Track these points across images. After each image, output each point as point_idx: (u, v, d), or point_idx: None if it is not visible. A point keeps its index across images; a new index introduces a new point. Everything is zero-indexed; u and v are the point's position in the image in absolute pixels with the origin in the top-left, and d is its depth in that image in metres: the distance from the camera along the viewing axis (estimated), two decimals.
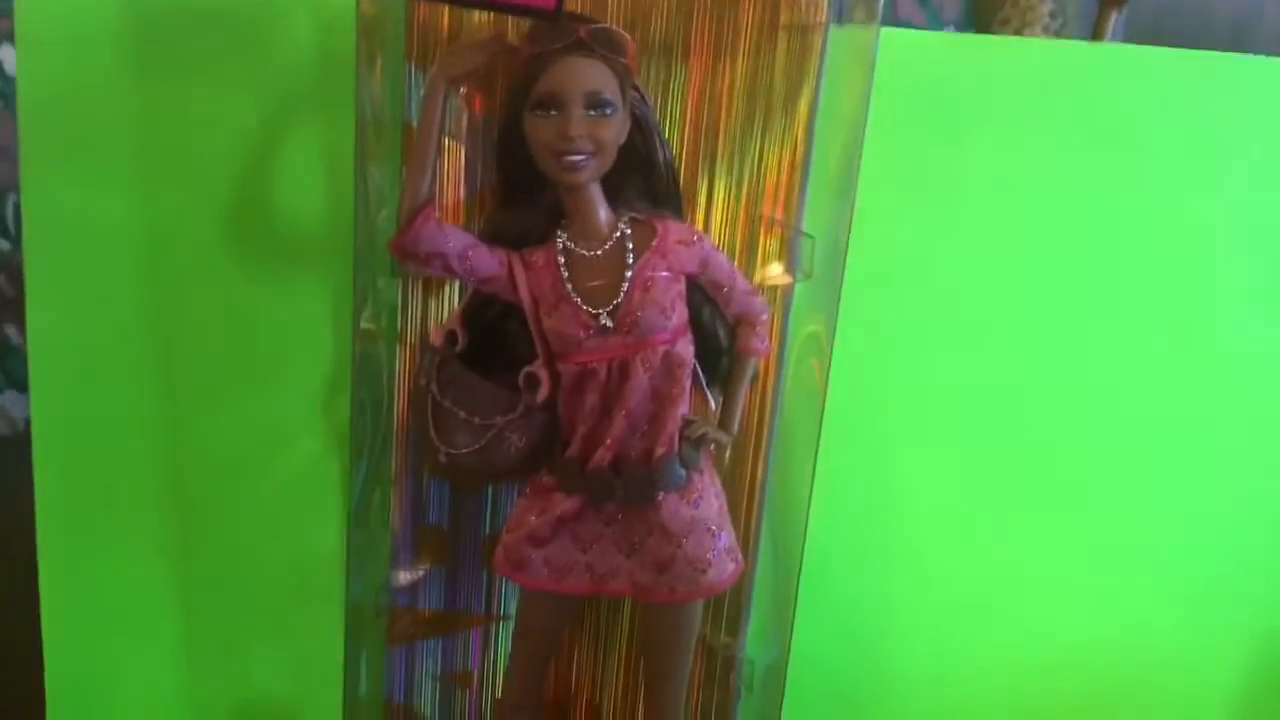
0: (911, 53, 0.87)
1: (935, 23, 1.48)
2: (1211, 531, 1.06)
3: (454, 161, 0.76)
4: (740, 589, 0.86)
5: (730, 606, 0.87)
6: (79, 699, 0.93)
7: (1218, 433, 1.03)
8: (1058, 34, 1.56)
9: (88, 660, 0.93)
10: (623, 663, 0.89)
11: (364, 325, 0.77)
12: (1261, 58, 0.96)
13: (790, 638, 0.86)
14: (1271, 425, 1.04)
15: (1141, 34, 1.46)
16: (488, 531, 0.84)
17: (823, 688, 1.01)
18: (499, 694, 0.88)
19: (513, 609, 0.85)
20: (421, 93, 0.72)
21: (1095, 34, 1.44)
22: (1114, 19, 1.43)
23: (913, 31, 0.95)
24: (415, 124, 0.72)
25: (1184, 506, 1.05)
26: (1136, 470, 1.03)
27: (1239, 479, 1.05)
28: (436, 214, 0.71)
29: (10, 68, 1.54)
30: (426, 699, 0.88)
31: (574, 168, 0.69)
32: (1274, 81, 0.96)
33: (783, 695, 0.87)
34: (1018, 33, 1.52)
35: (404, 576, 0.85)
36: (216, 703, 0.94)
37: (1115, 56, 0.96)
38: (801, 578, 0.85)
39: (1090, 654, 1.07)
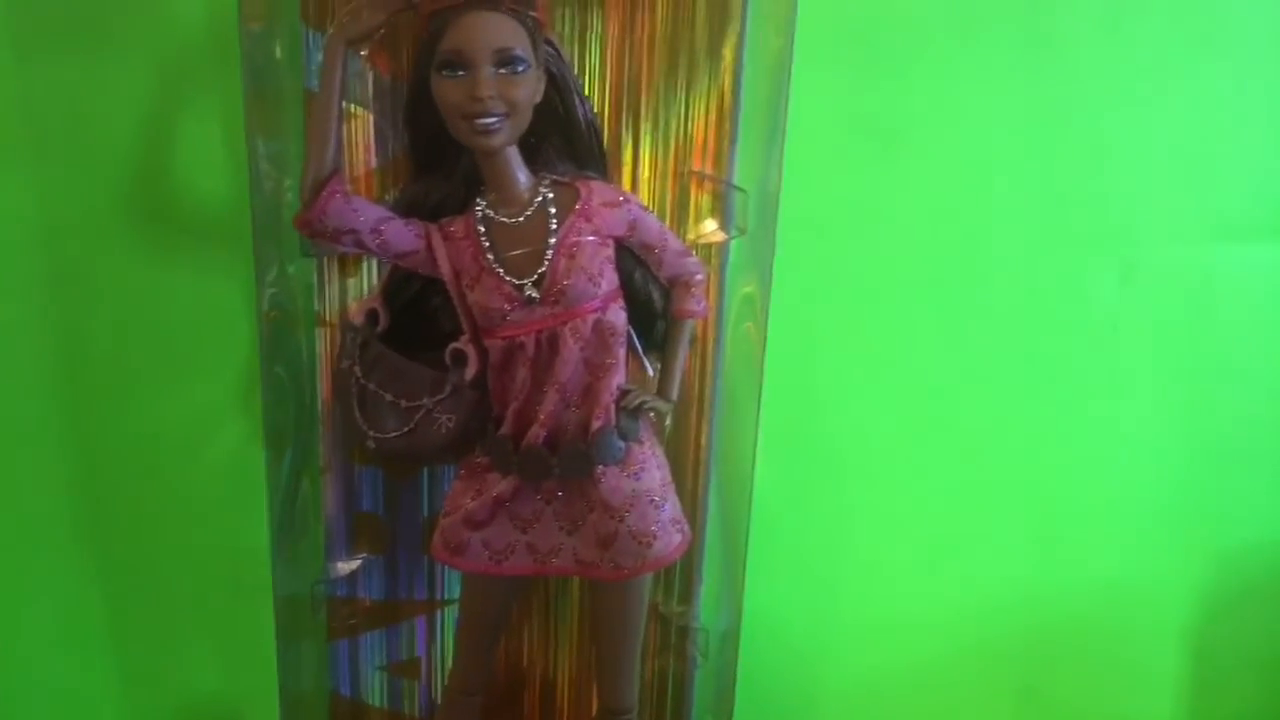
0: None
1: None
2: (1154, 460, 1.06)
3: (362, 130, 0.72)
4: (690, 557, 0.84)
5: (681, 575, 0.85)
6: (5, 710, 0.89)
7: (1158, 359, 1.03)
8: None
9: (13, 670, 0.89)
10: (574, 639, 0.87)
11: (269, 303, 0.73)
12: None
13: (742, 602, 0.85)
14: (1207, 350, 1.04)
15: None
16: (425, 515, 0.81)
17: (775, 644, 1.00)
18: (448, 680, 0.85)
19: (457, 593, 0.82)
20: (320, 57, 0.67)
21: None
22: None
23: None
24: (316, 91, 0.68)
25: (1125, 439, 1.04)
26: (1076, 408, 1.02)
27: (1176, 406, 1.05)
28: (345, 186, 0.66)
29: None
30: (374, 690, 0.85)
31: (487, 130, 0.65)
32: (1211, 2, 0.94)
33: (737, 659, 0.86)
34: None
35: (341, 567, 0.81)
36: (153, 705, 0.91)
37: None
38: (750, 540, 0.83)
39: (1042, 596, 1.07)
